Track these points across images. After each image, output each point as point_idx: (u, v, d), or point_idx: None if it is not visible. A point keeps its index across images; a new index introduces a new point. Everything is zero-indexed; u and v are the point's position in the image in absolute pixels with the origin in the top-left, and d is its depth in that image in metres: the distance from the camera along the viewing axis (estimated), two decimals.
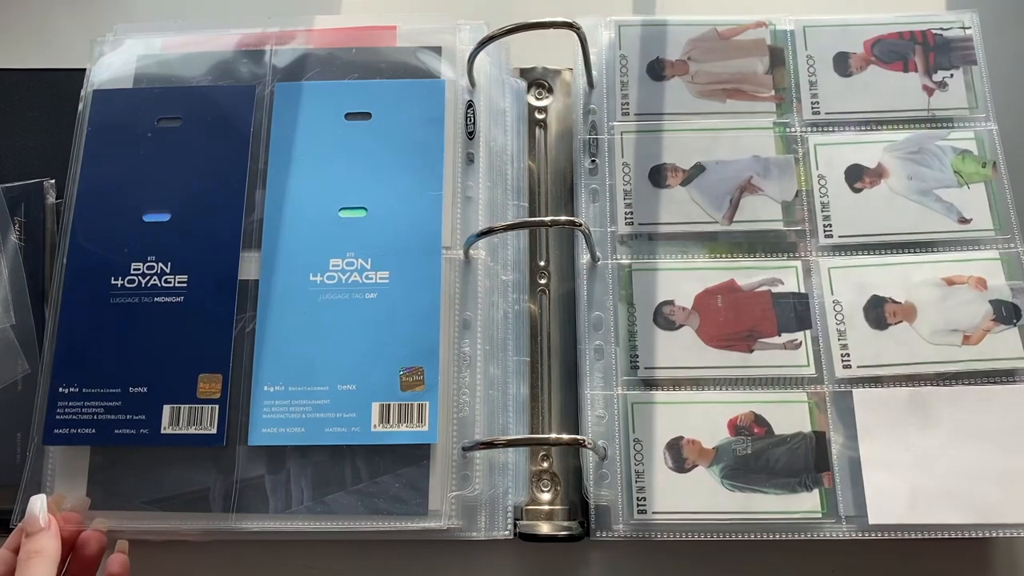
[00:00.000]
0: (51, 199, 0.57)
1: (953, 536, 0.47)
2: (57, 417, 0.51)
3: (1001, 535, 0.47)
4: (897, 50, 0.57)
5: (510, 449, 0.51)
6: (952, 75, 0.56)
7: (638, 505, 0.49)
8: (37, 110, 0.60)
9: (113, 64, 0.58)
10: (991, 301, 0.51)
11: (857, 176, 0.54)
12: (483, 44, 0.53)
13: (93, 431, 0.50)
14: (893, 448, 0.49)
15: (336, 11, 0.65)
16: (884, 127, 0.55)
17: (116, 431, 0.50)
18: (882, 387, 0.50)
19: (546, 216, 0.57)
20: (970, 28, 0.57)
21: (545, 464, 0.53)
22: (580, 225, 0.50)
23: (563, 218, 0.52)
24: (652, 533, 0.49)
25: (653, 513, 0.49)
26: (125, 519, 0.50)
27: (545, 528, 0.51)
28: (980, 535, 0.47)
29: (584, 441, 0.48)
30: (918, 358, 0.50)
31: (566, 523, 0.51)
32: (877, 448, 0.49)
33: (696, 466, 0.50)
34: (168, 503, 0.50)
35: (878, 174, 0.54)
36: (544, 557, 0.52)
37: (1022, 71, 0.60)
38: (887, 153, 0.55)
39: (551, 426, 0.53)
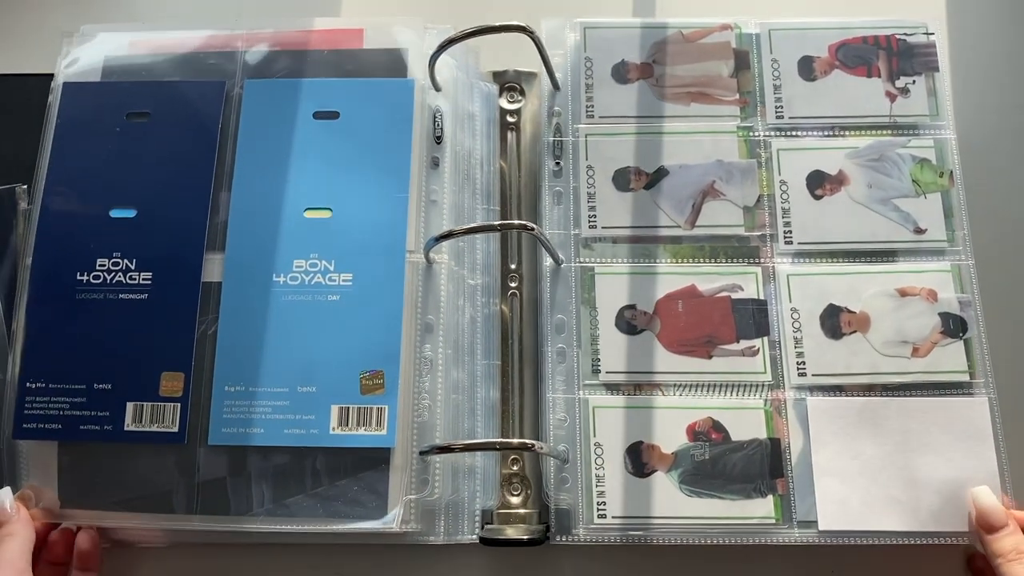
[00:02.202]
0: (23, 204, 0.57)
1: (900, 543, 0.49)
2: (25, 412, 0.51)
3: (943, 543, 0.49)
4: (861, 55, 0.57)
5: (478, 453, 0.52)
6: (915, 81, 0.56)
7: (598, 509, 0.50)
8: (7, 115, 0.60)
9: (81, 60, 0.57)
10: (940, 314, 0.52)
11: (818, 183, 0.55)
12: (442, 47, 0.52)
13: (59, 427, 0.51)
14: (844, 456, 0.50)
15: (336, 13, 0.64)
16: (847, 133, 0.56)
17: (81, 427, 0.50)
18: (835, 396, 0.51)
19: (517, 220, 0.56)
20: (933, 34, 0.57)
21: (515, 468, 0.53)
22: (532, 229, 0.50)
23: (515, 222, 0.52)
24: (611, 537, 0.50)
25: (613, 517, 0.50)
26: (92, 519, 0.50)
27: (508, 532, 0.51)
28: (923, 543, 0.49)
29: (533, 445, 0.48)
30: (870, 368, 0.51)
31: (530, 527, 0.51)
32: (829, 455, 0.50)
33: (655, 471, 0.50)
34: (133, 503, 0.50)
35: (839, 181, 0.55)
36: (509, 561, 0.52)
37: (983, 78, 0.60)
38: (848, 160, 0.55)
39: (522, 430, 0.54)
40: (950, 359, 0.51)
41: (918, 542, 0.49)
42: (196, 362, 0.51)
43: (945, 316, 0.52)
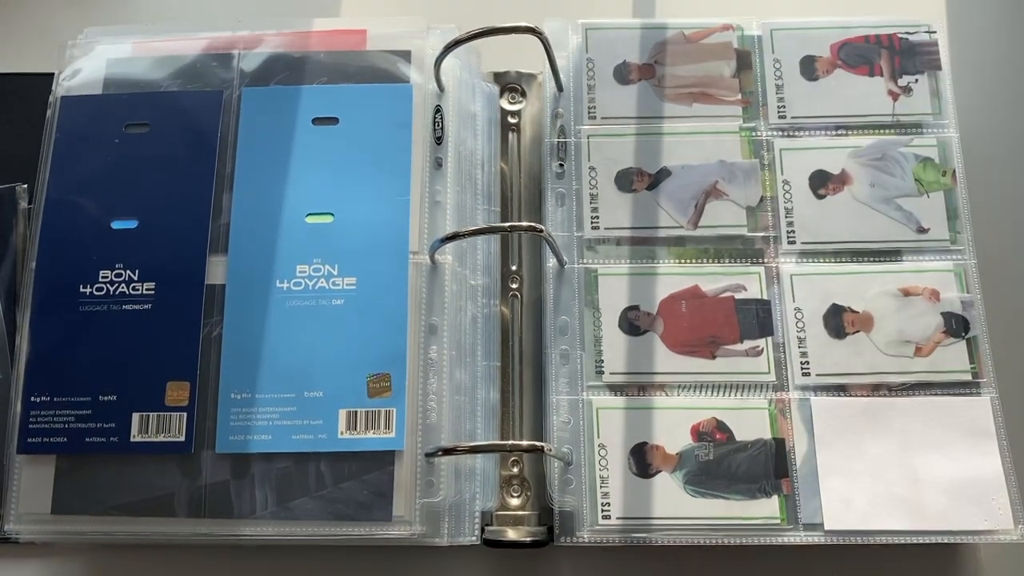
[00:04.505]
0: (23, 204, 0.57)
1: (908, 543, 0.49)
2: (30, 426, 0.51)
3: (949, 541, 0.49)
4: (863, 54, 0.57)
5: (478, 455, 0.52)
6: (917, 80, 0.56)
7: (602, 511, 0.50)
8: (8, 114, 0.60)
9: (83, 68, 0.57)
10: (943, 313, 0.52)
11: (821, 182, 0.55)
12: (448, 48, 0.52)
13: (65, 440, 0.50)
14: (849, 456, 0.50)
15: (335, 13, 0.64)
16: (849, 132, 0.56)
17: (87, 439, 0.50)
18: (839, 396, 0.51)
19: (518, 221, 0.57)
20: (936, 32, 0.57)
21: (515, 469, 0.53)
22: (541, 231, 0.50)
23: (524, 223, 0.52)
24: (615, 539, 0.50)
25: (617, 519, 0.50)
26: (90, 523, 0.50)
27: (510, 534, 0.51)
28: (930, 541, 0.49)
29: (544, 447, 0.48)
30: (873, 368, 0.51)
31: (532, 529, 0.51)
32: (834, 456, 0.50)
33: (660, 471, 0.50)
34: (133, 508, 0.50)
35: (841, 181, 0.55)
36: (511, 563, 0.52)
37: (986, 76, 0.60)
38: (851, 159, 0.55)
39: (521, 432, 0.54)
40: (952, 359, 0.51)
41: (924, 541, 0.49)
42: (201, 370, 0.51)
43: (948, 316, 0.52)
